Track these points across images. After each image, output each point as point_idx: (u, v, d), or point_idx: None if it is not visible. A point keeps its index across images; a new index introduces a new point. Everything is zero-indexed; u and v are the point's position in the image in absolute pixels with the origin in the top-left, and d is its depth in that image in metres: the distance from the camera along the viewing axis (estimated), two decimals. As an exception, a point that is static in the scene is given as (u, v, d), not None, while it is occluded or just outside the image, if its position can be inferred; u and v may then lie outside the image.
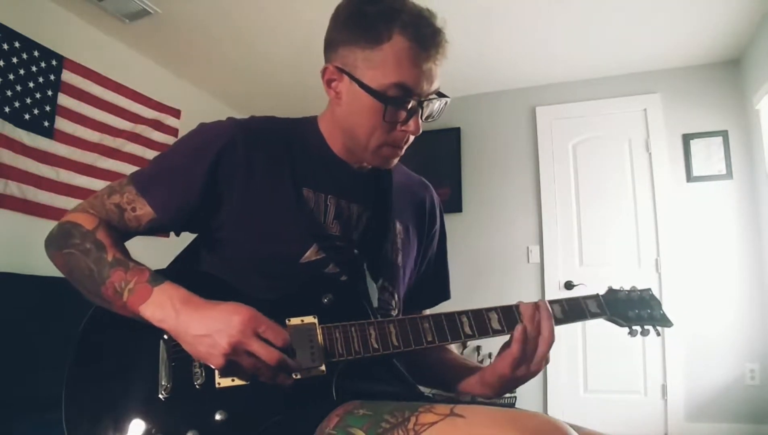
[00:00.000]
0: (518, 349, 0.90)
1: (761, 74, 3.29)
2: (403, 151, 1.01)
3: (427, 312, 1.21)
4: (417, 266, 1.15)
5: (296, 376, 0.82)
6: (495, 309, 0.95)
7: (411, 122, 0.94)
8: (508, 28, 3.42)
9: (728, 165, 3.64)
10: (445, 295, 1.23)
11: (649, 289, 1.12)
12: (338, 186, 1.01)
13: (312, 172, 1.01)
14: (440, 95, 0.98)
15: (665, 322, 1.09)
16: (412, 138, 0.99)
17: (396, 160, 1.03)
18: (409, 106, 0.93)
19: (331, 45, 0.96)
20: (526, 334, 0.91)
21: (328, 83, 0.98)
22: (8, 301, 2.47)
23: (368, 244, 1.02)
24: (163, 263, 1.00)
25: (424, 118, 0.97)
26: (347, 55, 0.93)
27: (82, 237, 0.89)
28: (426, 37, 0.90)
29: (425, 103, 0.95)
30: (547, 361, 0.94)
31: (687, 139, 3.76)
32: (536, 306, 0.94)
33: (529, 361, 0.92)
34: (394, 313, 1.06)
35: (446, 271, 1.24)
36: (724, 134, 3.68)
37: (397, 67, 0.89)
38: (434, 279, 1.21)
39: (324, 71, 0.97)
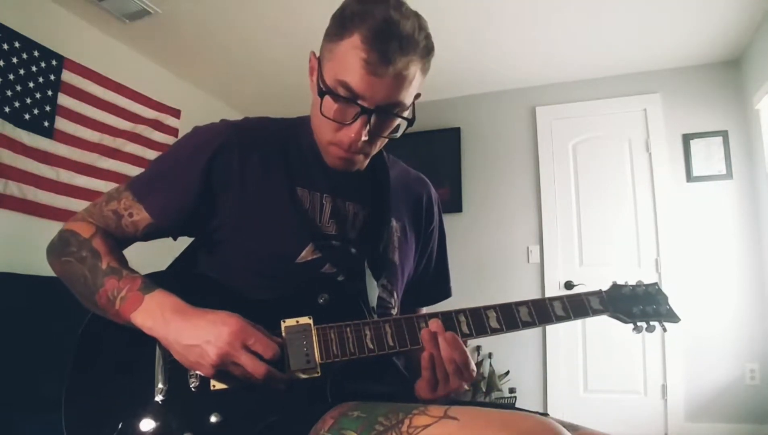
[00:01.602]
0: (428, 375, 0.87)
1: (761, 74, 3.28)
2: (356, 157, 0.97)
3: (424, 310, 1.21)
4: (416, 264, 1.15)
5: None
6: (493, 307, 0.94)
7: (353, 126, 0.90)
8: (508, 28, 3.42)
9: (728, 165, 3.64)
10: (445, 293, 1.22)
11: (656, 284, 1.09)
12: (334, 185, 1.01)
13: (306, 171, 1.00)
14: (413, 114, 0.93)
15: (672, 317, 1.06)
16: (369, 147, 0.95)
17: (352, 166, 0.99)
18: (353, 110, 0.89)
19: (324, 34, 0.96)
20: (433, 359, 0.87)
21: (311, 71, 0.97)
22: (8, 301, 2.47)
23: (366, 243, 1.02)
24: (163, 265, 1.00)
25: (385, 133, 0.94)
26: (323, 45, 0.93)
27: (79, 245, 0.90)
28: (381, 44, 0.84)
29: (377, 115, 0.90)
30: (466, 378, 0.87)
31: (687, 139, 3.76)
32: (429, 330, 0.87)
33: (443, 381, 0.87)
34: (394, 311, 1.06)
35: (446, 268, 1.23)
36: (724, 134, 3.67)
37: (347, 65, 0.86)
38: (434, 276, 1.20)
39: (309, 58, 0.97)
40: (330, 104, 0.90)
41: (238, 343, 0.78)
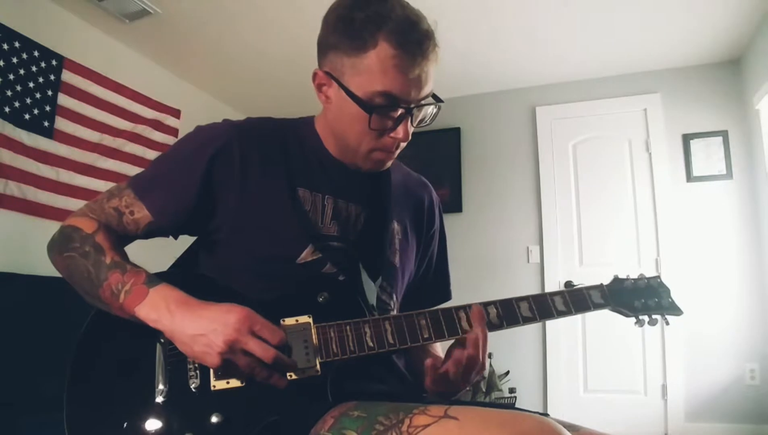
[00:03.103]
0: (472, 352, 0.87)
1: (761, 74, 3.28)
2: (396, 154, 1.00)
3: None
4: (416, 266, 1.14)
5: (291, 376, 0.82)
6: (494, 303, 0.95)
7: (399, 129, 0.93)
8: (509, 28, 3.42)
9: (728, 165, 3.64)
10: (445, 296, 1.22)
11: (658, 277, 1.08)
12: (335, 186, 1.01)
13: (308, 172, 1.00)
14: (435, 98, 0.96)
15: (674, 310, 1.05)
16: (404, 143, 0.98)
17: (389, 163, 1.02)
18: (397, 114, 0.92)
19: (321, 49, 0.95)
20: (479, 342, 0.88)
21: (319, 87, 0.97)
22: (8, 301, 2.47)
23: (366, 244, 1.02)
24: (164, 265, 1.00)
25: (415, 123, 0.96)
26: (335, 60, 0.92)
27: (82, 240, 0.89)
28: (412, 44, 0.87)
29: (415, 110, 0.93)
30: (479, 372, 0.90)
31: (687, 139, 3.76)
32: (481, 310, 0.91)
33: (474, 369, 0.88)
34: (393, 313, 1.06)
35: (446, 271, 1.23)
36: (724, 134, 3.67)
37: (383, 75, 0.87)
38: (434, 279, 1.20)
39: (314, 76, 0.97)
40: (377, 118, 0.91)
41: (245, 328, 0.78)
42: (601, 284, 1.03)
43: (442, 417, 0.69)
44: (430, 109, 0.97)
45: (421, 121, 0.97)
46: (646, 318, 1.04)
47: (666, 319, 1.05)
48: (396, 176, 1.11)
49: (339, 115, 0.96)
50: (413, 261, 1.13)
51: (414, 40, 0.87)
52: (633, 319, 1.05)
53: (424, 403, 0.75)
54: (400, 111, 0.91)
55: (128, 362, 0.86)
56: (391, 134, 0.93)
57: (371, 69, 0.87)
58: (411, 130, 0.94)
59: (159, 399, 0.81)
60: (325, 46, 0.94)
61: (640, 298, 1.04)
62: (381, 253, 1.03)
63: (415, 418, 0.70)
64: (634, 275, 1.08)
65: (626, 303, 1.03)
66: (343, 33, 0.90)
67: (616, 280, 1.05)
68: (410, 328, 0.89)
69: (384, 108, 0.90)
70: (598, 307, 1.00)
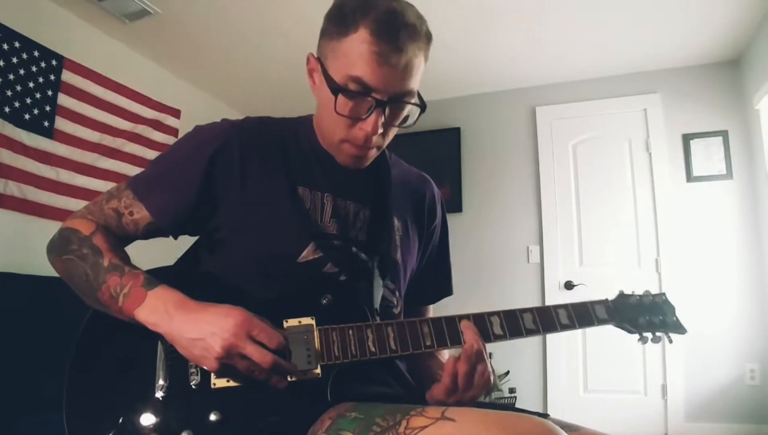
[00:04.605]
0: (465, 367, 0.85)
1: (761, 74, 3.28)
2: (369, 152, 0.97)
3: (430, 308, 1.21)
4: (418, 262, 1.14)
5: (291, 378, 0.82)
6: (497, 313, 0.94)
7: (368, 120, 0.90)
8: (508, 28, 3.42)
9: (728, 165, 3.64)
10: (447, 291, 1.22)
11: (663, 294, 1.08)
12: (335, 184, 1.01)
13: (307, 170, 1.00)
14: (420, 99, 0.94)
15: (678, 328, 1.05)
16: (381, 140, 0.96)
17: (364, 162, 1.00)
18: (368, 104, 0.89)
19: (319, 35, 0.96)
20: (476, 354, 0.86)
21: (310, 73, 0.98)
22: (8, 301, 2.47)
23: (367, 242, 1.02)
24: (166, 264, 1.00)
25: (397, 122, 0.95)
26: (323, 45, 0.93)
27: (80, 242, 0.90)
28: (389, 33, 0.85)
29: (391, 105, 0.91)
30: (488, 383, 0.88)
31: (687, 139, 3.76)
32: (472, 325, 0.89)
33: (470, 385, 0.85)
34: (396, 310, 1.06)
35: (448, 266, 1.22)
36: (724, 134, 3.67)
37: (357, 60, 0.86)
38: (436, 274, 1.20)
39: (307, 60, 0.97)
40: (344, 101, 0.90)
41: (242, 333, 0.78)
42: (606, 299, 1.03)
43: (439, 418, 0.69)
44: (414, 110, 0.95)
45: (402, 121, 0.96)
46: (649, 335, 1.04)
47: (669, 337, 1.06)
48: (396, 172, 1.11)
49: (320, 101, 0.96)
50: (415, 257, 1.12)
51: (392, 29, 0.86)
52: (636, 336, 1.04)
53: (422, 404, 0.75)
54: (369, 101, 0.89)
55: (128, 359, 0.86)
56: (360, 125, 0.91)
57: (348, 53, 0.87)
58: (381, 125, 0.91)
59: (159, 394, 0.81)
60: (320, 33, 0.95)
61: (644, 314, 1.04)
62: (382, 250, 1.03)
63: (413, 420, 0.70)
64: (639, 291, 1.07)
65: (631, 319, 1.03)
66: (332, 18, 0.91)
67: (621, 296, 1.05)
68: (413, 335, 0.89)
69: (353, 94, 0.88)
70: (602, 322, 1.00)
